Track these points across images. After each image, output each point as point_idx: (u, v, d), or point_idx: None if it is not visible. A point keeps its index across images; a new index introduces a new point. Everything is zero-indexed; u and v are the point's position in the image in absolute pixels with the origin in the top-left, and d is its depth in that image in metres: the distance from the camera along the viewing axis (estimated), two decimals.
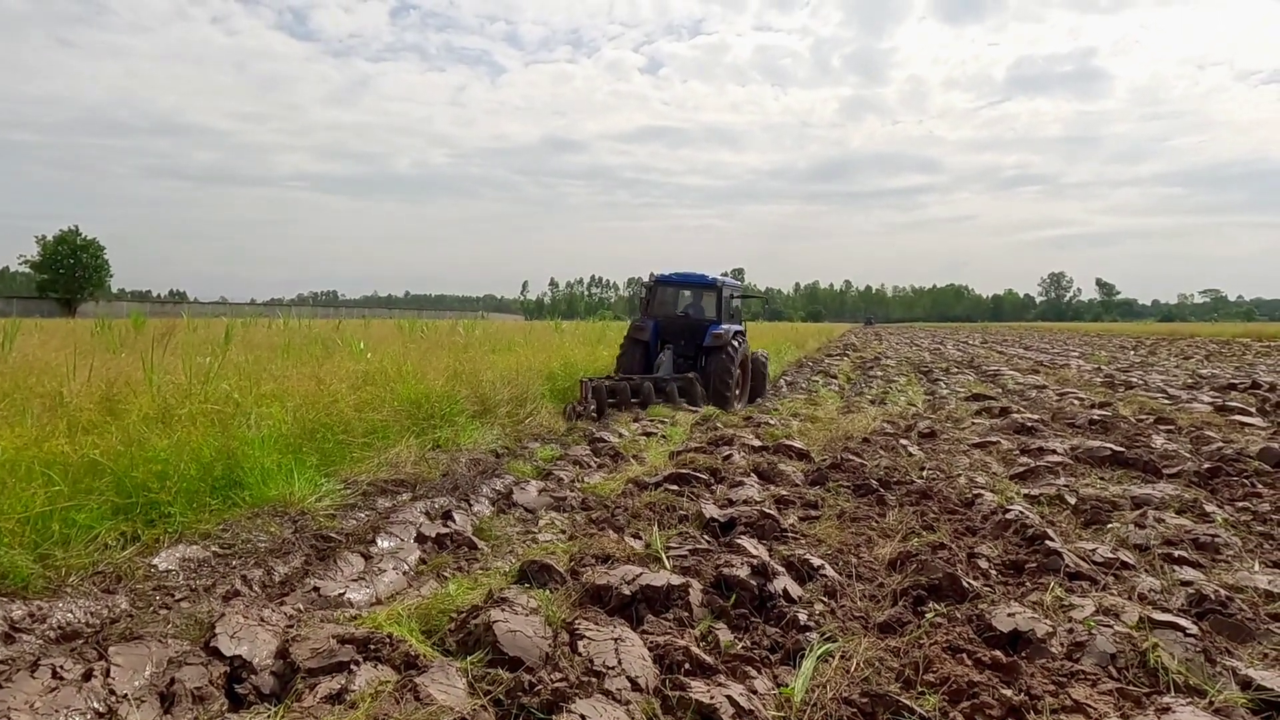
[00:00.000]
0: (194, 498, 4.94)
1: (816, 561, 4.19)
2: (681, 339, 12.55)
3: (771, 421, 9.47)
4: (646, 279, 13.59)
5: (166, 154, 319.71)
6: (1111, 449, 7.13)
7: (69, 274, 65.61)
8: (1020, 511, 4.93)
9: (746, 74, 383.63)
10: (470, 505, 5.53)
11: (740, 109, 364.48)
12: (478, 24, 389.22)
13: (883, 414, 10.61)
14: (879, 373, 18.86)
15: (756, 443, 7.86)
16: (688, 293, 13.28)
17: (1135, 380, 15.92)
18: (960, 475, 6.43)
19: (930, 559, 4.08)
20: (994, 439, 8.27)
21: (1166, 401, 11.80)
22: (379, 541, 4.57)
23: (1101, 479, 6.36)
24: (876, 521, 5.26)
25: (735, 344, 12.02)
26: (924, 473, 6.65)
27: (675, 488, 5.79)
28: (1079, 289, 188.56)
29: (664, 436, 8.87)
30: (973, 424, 9.56)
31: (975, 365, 21.12)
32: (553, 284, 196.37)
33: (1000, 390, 14.65)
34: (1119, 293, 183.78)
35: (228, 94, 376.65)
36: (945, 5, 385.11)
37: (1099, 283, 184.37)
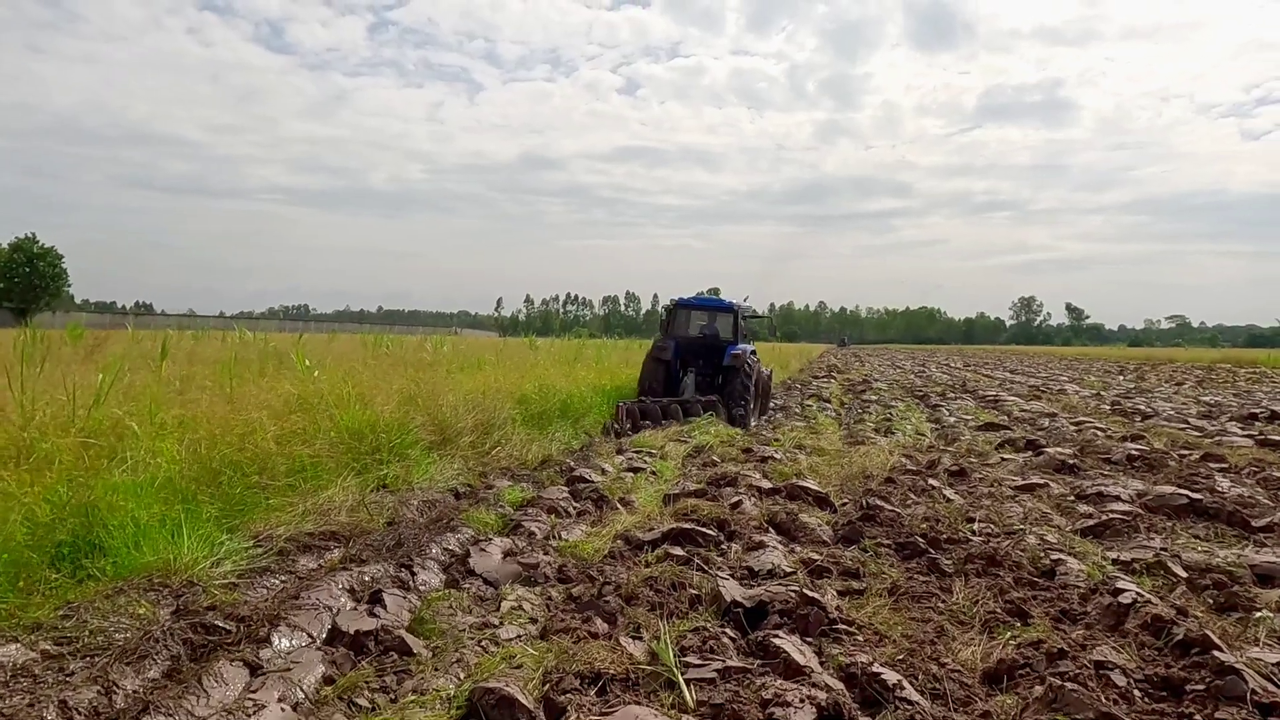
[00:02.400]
0: (25, 571, 3.61)
1: (890, 677, 2.97)
2: (700, 359, 13.27)
3: (776, 455, 8.27)
4: (666, 302, 14.78)
5: (138, 163, 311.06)
6: (1188, 496, 6.03)
7: (25, 282, 63.05)
8: (1137, 594, 3.76)
9: (723, 96, 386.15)
10: (413, 574, 4.25)
11: (717, 131, 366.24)
12: (456, 41, 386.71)
13: (895, 446, 9.48)
14: (873, 397, 17.81)
15: (765, 484, 6.64)
16: (706, 315, 14.16)
17: (1144, 408, 15.02)
18: (1022, 530, 5.27)
19: (1055, 680, 2.87)
20: (1036, 480, 7.15)
21: (1196, 434, 10.83)
22: (275, 639, 3.28)
23: (1196, 537, 5.23)
24: (941, 600, 4.07)
25: (750, 364, 12.65)
26: (974, 526, 5.48)
27: (678, 551, 4.54)
28: (1049, 313, 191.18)
29: (654, 473, 7.63)
30: (1001, 460, 8.44)
31: (970, 390, 20.19)
32: (528, 301, 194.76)
33: (1008, 418, 13.64)
34: (1088, 317, 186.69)
35: (202, 105, 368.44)
36: (918, 34, 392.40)
37: (1069, 307, 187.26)
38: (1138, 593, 3.77)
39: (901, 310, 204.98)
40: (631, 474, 7.53)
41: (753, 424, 12.37)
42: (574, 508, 5.94)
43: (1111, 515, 5.66)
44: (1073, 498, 6.46)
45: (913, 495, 6.60)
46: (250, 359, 13.71)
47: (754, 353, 13.47)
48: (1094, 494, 6.43)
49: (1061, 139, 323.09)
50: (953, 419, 13.04)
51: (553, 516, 5.62)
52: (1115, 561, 4.64)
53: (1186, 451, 8.98)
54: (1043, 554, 4.70)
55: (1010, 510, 5.99)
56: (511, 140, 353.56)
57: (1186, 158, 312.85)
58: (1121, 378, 27.87)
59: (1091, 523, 5.53)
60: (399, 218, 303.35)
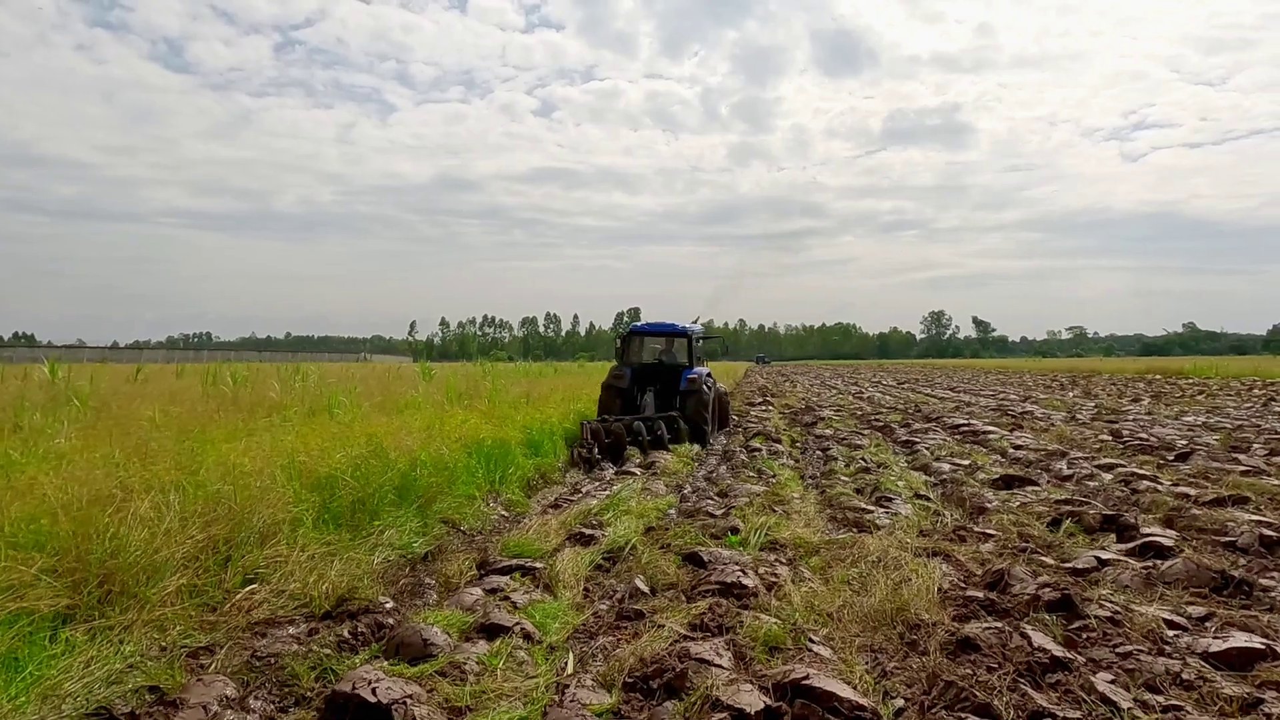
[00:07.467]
0: None
1: None
2: (658, 383, 13.27)
3: (742, 577, 4.84)
4: (620, 329, 14.34)
5: (22, 186, 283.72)
6: None
7: None
8: None
9: (638, 119, 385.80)
10: None
11: (633, 153, 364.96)
12: (367, 62, 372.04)
13: (911, 533, 6.27)
14: (827, 431, 14.73)
15: (745, 692, 3.19)
16: (661, 341, 14.35)
17: (1148, 437, 12.45)
18: None
19: None
20: (1220, 628, 4.00)
21: (1277, 483, 8.08)
22: None
23: None
24: None
25: (708, 386, 13.00)
26: None
27: None
28: (957, 326, 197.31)
29: (527, 638, 4.08)
30: (1100, 565, 5.27)
31: (930, 417, 17.42)
32: (443, 324, 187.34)
33: (1003, 458, 10.77)
34: (994, 330, 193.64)
35: (94, 125, 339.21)
36: (824, 60, 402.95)
37: (976, 321, 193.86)
38: None
39: (818, 327, 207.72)
40: (485, 642, 3.97)
41: (712, 442, 12.96)
42: None
43: None
44: None
45: (1029, 687, 3.31)
46: (35, 404, 10.27)
47: (710, 374, 13.78)
48: None
49: (961, 161, 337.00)
50: (945, 466, 9.99)
51: None
52: None
53: None
54: None
55: None
56: (426, 161, 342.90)
57: (1074, 178, 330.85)
58: (1071, 395, 26.00)
59: None
60: (310, 241, 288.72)
